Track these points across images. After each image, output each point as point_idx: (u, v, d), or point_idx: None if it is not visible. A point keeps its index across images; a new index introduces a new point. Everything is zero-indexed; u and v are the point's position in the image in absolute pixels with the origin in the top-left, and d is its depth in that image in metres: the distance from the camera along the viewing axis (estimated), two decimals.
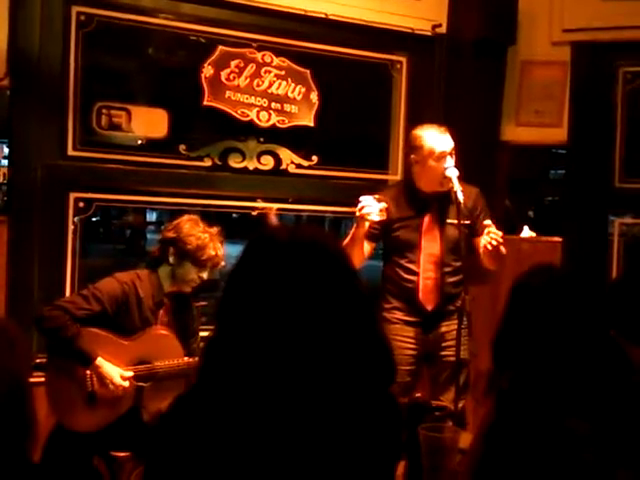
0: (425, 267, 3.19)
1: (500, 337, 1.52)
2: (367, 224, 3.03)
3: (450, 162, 3.11)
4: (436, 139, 3.14)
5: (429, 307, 3.21)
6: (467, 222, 3.14)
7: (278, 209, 3.83)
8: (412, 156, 3.21)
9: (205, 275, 2.95)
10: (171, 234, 2.93)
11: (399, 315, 3.22)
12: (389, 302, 3.25)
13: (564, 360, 1.37)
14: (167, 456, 1.22)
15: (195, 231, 2.91)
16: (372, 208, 2.97)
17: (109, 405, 2.81)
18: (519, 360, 1.43)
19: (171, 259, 2.93)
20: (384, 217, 3.03)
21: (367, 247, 3.18)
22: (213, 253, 2.90)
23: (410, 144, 3.25)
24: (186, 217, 2.99)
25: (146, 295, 2.90)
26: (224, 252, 2.95)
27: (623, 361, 1.55)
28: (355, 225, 3.07)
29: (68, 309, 2.75)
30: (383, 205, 3.00)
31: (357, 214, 3.01)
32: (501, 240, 2.98)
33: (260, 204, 3.77)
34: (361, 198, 3.01)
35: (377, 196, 3.02)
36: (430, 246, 3.19)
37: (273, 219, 3.79)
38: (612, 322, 1.72)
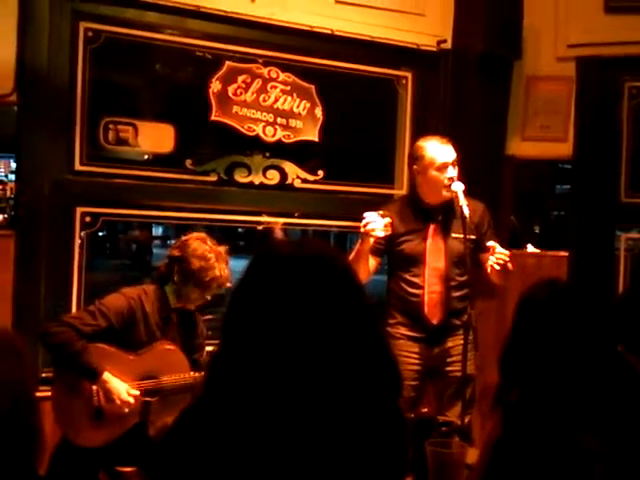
0: (430, 281, 3.19)
1: (507, 351, 1.51)
2: (372, 240, 3.04)
3: (452, 172, 3.13)
4: (437, 149, 3.17)
5: (434, 321, 3.20)
6: (473, 237, 3.14)
7: (284, 223, 3.83)
8: (414, 167, 3.23)
9: (209, 296, 2.94)
10: (177, 252, 2.91)
11: (403, 330, 3.21)
12: (394, 317, 3.24)
13: (571, 374, 1.36)
14: (172, 471, 1.22)
15: (200, 251, 2.87)
16: (376, 224, 2.98)
17: (116, 420, 2.80)
18: (526, 374, 1.42)
19: (176, 278, 2.91)
20: (389, 232, 3.04)
21: (372, 262, 3.18)
22: (218, 274, 2.86)
23: (412, 155, 3.27)
24: (194, 235, 2.96)
25: (152, 310, 2.89)
26: (229, 272, 2.90)
27: (631, 376, 1.54)
28: (360, 241, 3.07)
29: (74, 325, 2.74)
30: (387, 220, 3.00)
31: (361, 230, 3.01)
32: (508, 259, 2.99)
33: (265, 218, 3.77)
34: (365, 214, 3.01)
35: (381, 212, 3.03)
36: (435, 260, 3.19)
37: (279, 233, 3.79)
38: (619, 337, 1.72)
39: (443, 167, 3.14)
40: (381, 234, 3.01)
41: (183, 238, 2.97)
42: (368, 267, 3.14)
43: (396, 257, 3.24)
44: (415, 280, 3.20)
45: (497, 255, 2.99)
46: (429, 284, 3.18)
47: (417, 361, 3.19)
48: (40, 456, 1.32)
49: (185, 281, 2.90)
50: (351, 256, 3.09)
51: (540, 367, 1.40)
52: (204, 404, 1.26)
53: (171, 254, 2.95)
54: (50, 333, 2.75)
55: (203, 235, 2.97)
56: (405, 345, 3.18)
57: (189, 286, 2.90)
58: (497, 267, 3.00)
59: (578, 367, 1.37)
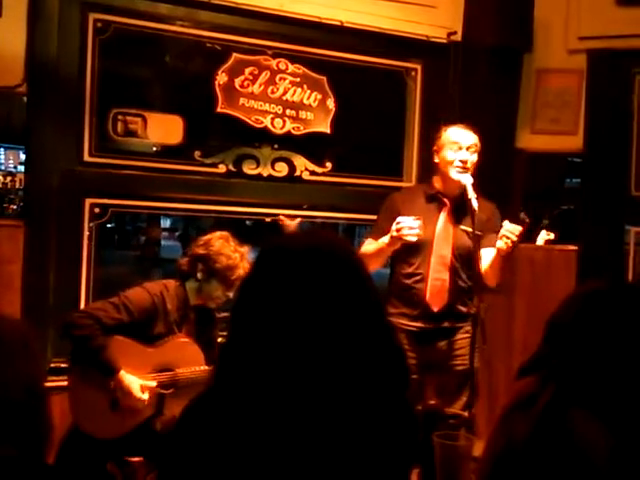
0: (435, 268, 3.18)
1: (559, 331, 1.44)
2: (400, 244, 3.05)
3: (465, 155, 3.15)
4: (457, 131, 3.22)
5: (435, 309, 3.19)
6: (479, 232, 3.14)
7: (301, 221, 3.79)
8: (434, 147, 3.26)
9: (231, 294, 2.94)
10: (201, 250, 2.93)
11: (404, 321, 3.20)
12: (395, 307, 3.23)
13: (613, 369, 1.33)
14: (180, 461, 1.22)
15: (226, 250, 2.90)
16: (412, 230, 2.98)
17: (131, 411, 2.82)
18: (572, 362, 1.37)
19: (199, 275, 2.93)
20: (421, 235, 3.04)
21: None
22: (242, 273, 2.86)
23: (435, 135, 3.30)
24: (217, 234, 2.97)
25: (172, 307, 2.91)
26: None
27: None
28: (387, 242, 3.06)
29: (99, 317, 2.75)
30: (420, 223, 3.01)
31: (394, 234, 3.01)
32: (516, 239, 2.91)
33: (285, 219, 3.74)
34: (400, 218, 3.01)
35: (414, 217, 3.02)
36: (441, 248, 3.19)
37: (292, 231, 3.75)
38: None
39: (457, 147, 3.16)
40: (414, 239, 3.01)
41: (206, 237, 2.98)
42: (385, 261, 3.19)
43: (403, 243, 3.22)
44: (420, 266, 3.19)
45: (508, 229, 2.90)
46: (433, 271, 3.18)
47: (414, 355, 3.18)
48: (49, 446, 1.33)
49: (209, 279, 2.92)
50: (371, 251, 3.12)
51: (589, 357, 1.35)
52: (212, 395, 1.26)
53: (195, 252, 2.96)
54: (75, 324, 2.76)
55: (226, 234, 2.99)
56: (403, 339, 3.17)
57: (213, 284, 2.93)
58: (508, 244, 2.92)
59: (622, 363, 1.33)
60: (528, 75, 4.07)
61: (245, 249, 2.96)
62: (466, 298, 3.21)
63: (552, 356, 1.39)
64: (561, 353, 1.38)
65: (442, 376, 3.27)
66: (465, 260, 3.19)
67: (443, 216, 3.21)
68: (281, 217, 3.71)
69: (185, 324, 2.96)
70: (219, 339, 3.09)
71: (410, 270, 3.21)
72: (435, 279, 3.18)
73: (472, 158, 3.17)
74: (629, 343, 1.33)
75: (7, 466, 1.20)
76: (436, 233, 3.19)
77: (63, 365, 3.05)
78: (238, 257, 2.90)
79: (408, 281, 3.21)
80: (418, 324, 3.21)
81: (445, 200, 3.22)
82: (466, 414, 2.98)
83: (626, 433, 1.27)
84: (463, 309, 3.21)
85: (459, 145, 3.17)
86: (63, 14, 3.27)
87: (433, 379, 3.31)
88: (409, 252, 3.20)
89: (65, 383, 2.87)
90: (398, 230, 2.99)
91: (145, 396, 2.81)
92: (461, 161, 3.15)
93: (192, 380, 2.86)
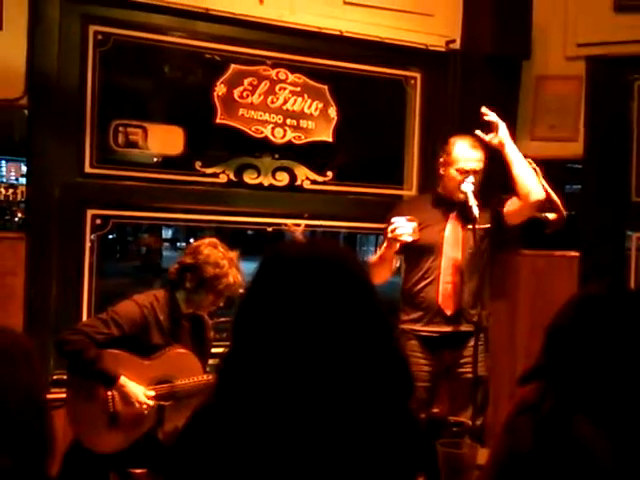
0: (446, 271, 3.20)
1: (557, 339, 1.44)
2: (398, 245, 3.05)
3: (469, 179, 3.16)
4: (465, 152, 3.22)
5: (448, 312, 3.20)
6: (487, 226, 3.16)
7: (305, 227, 3.78)
8: (441, 159, 3.28)
9: (221, 302, 2.93)
10: (189, 260, 2.89)
11: (417, 327, 3.21)
12: (407, 314, 3.24)
13: (614, 375, 1.32)
14: (185, 473, 1.22)
15: (213, 258, 2.85)
16: (405, 229, 2.99)
17: (131, 425, 2.81)
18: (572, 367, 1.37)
19: (188, 284, 2.90)
20: (416, 237, 3.05)
21: (394, 262, 3.20)
22: (231, 281, 2.85)
23: (443, 147, 3.32)
24: (206, 241, 2.95)
25: (164, 317, 2.89)
26: (242, 277, 2.88)
27: None
28: (386, 245, 3.08)
29: (88, 333, 2.75)
30: (415, 225, 3.02)
31: (389, 235, 3.02)
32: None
33: (292, 226, 3.73)
34: (393, 219, 3.03)
35: (409, 217, 3.04)
36: (452, 250, 3.20)
37: (299, 238, 3.74)
38: None
39: (463, 171, 3.17)
40: (409, 239, 3.03)
41: (194, 244, 2.96)
42: (391, 268, 3.20)
43: (412, 247, 3.20)
44: (430, 270, 3.21)
45: None
46: (444, 274, 3.19)
47: (428, 362, 3.19)
48: (51, 458, 1.33)
49: (198, 288, 2.89)
50: (374, 259, 3.14)
51: (587, 362, 1.35)
52: (215, 406, 1.26)
53: (183, 261, 2.93)
54: (65, 341, 2.76)
55: (215, 241, 2.96)
56: (416, 346, 3.18)
57: (202, 293, 2.90)
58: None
59: (617, 368, 1.32)
60: (527, 82, 4.07)
61: (234, 254, 2.92)
62: (477, 301, 3.21)
63: (550, 364, 1.39)
64: (558, 361, 1.38)
65: (453, 383, 3.27)
66: (476, 260, 3.20)
67: (451, 220, 3.23)
68: (289, 224, 3.70)
69: (180, 334, 2.95)
70: (213, 349, 3.08)
71: (421, 274, 3.22)
72: (446, 282, 3.20)
73: (477, 177, 3.20)
74: (623, 349, 1.33)
75: (3, 477, 1.20)
76: (445, 236, 3.20)
77: (65, 377, 3.05)
78: (226, 264, 2.86)
79: (419, 285, 3.23)
80: (430, 328, 3.21)
81: (453, 205, 3.24)
82: (469, 422, 2.97)
83: (624, 439, 1.26)
84: (473, 312, 3.22)
85: (466, 170, 3.18)
86: (63, 26, 3.29)
87: (446, 386, 3.31)
88: (419, 257, 3.22)
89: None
90: (392, 231, 3.00)
91: (150, 401, 2.80)
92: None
93: (191, 391, 2.84)
